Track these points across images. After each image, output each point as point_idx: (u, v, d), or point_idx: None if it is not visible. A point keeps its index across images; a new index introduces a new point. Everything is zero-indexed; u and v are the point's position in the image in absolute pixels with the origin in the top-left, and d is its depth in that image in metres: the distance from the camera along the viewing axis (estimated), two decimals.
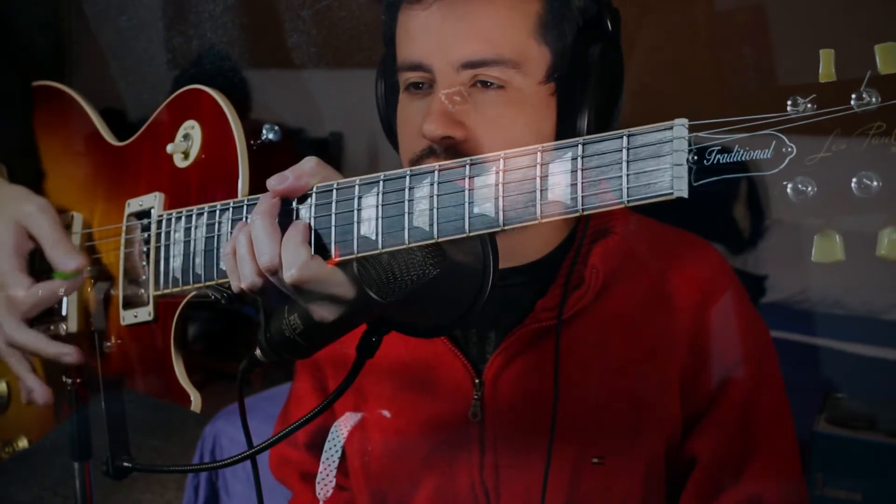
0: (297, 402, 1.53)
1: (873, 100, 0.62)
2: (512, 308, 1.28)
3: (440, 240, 0.84)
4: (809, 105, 0.63)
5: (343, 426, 1.34)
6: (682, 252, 1.32)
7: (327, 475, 1.31)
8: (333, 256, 0.91)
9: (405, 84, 1.18)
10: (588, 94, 1.13)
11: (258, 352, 1.01)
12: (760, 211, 3.95)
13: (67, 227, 1.23)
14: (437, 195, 0.84)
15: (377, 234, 0.88)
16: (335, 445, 1.31)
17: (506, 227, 0.80)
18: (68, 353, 1.15)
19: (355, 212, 0.89)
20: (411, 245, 0.88)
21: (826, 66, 0.64)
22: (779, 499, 1.31)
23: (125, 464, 1.15)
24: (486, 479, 1.28)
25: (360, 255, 0.89)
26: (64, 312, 1.23)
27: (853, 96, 0.63)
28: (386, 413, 1.34)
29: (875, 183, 0.62)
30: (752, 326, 1.33)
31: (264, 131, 1.18)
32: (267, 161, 1.12)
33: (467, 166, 0.82)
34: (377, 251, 0.88)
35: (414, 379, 1.34)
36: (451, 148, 1.12)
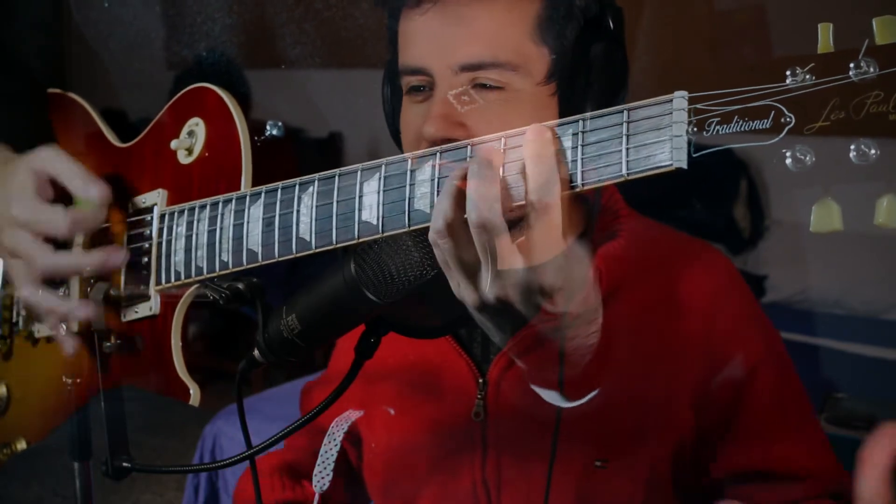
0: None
1: (871, 69, 0.62)
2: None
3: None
4: (808, 76, 0.64)
5: (343, 422, 1.34)
6: (691, 258, 1.31)
7: (324, 468, 1.31)
8: None
9: (406, 87, 1.18)
10: (590, 94, 1.11)
11: (256, 353, 1.01)
12: (760, 211, 3.95)
13: None
14: (438, 178, 0.84)
15: (378, 219, 0.88)
16: (334, 440, 1.31)
17: None
18: (114, 257, 1.14)
19: (356, 198, 0.90)
20: (409, 244, 0.88)
21: (824, 39, 0.64)
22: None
23: (125, 464, 1.15)
24: (487, 478, 1.28)
25: (361, 240, 0.89)
26: None
27: (851, 66, 0.63)
28: (391, 410, 1.33)
29: (873, 151, 0.62)
30: (764, 329, 1.33)
31: (268, 127, 1.18)
32: (270, 157, 1.12)
33: (469, 148, 0.82)
34: (378, 235, 0.88)
35: (418, 377, 1.34)
36: None
